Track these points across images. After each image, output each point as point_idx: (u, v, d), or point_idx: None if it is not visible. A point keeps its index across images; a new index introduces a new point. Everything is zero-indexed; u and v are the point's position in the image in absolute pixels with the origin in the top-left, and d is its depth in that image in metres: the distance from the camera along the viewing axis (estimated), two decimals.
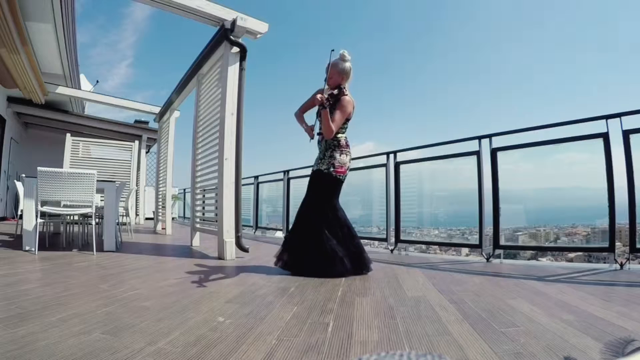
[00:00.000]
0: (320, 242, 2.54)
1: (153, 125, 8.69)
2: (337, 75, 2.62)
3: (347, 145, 2.66)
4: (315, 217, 2.61)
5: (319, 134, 2.71)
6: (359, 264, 2.61)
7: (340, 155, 2.61)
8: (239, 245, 3.59)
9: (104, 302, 1.76)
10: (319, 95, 2.52)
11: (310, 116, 2.79)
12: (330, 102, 2.58)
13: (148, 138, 9.53)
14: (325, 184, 2.63)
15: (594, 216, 3.38)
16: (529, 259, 3.75)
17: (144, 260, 3.21)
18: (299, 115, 2.81)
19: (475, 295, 2.01)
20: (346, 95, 2.60)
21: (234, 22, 3.55)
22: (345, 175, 2.66)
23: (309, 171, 5.77)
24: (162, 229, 6.48)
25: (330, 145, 2.64)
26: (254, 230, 7.30)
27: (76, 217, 4.37)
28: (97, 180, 3.53)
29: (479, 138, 3.63)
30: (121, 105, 8.01)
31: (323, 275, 2.48)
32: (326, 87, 2.61)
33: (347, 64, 2.64)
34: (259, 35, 3.81)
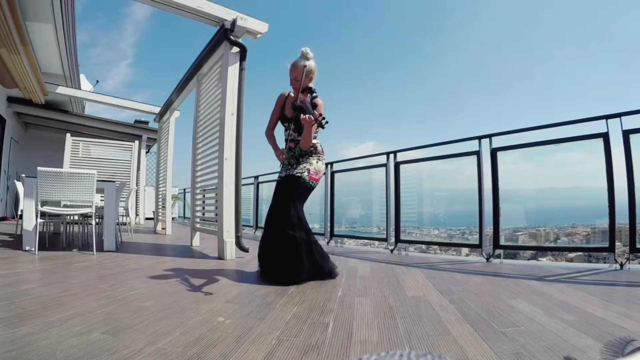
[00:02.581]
0: (296, 244, 2.34)
1: (153, 125, 8.69)
2: (305, 77, 2.40)
3: (323, 152, 2.52)
4: (289, 222, 2.37)
5: (291, 140, 2.51)
6: (317, 272, 2.42)
7: (317, 162, 2.45)
8: (239, 245, 3.59)
9: (104, 302, 1.76)
10: (307, 117, 2.23)
11: (279, 134, 2.63)
12: (323, 117, 2.25)
13: (148, 138, 9.53)
14: (298, 189, 2.40)
15: (594, 216, 3.38)
16: (529, 259, 3.75)
17: (144, 260, 3.21)
18: (270, 133, 2.61)
19: (475, 295, 2.01)
20: (319, 98, 2.45)
21: (234, 22, 3.55)
22: (317, 184, 2.47)
23: None
24: (162, 229, 6.48)
25: (306, 151, 2.46)
26: (254, 230, 7.30)
27: (76, 217, 4.37)
28: (97, 180, 3.53)
29: (479, 138, 3.63)
30: (121, 105, 8.01)
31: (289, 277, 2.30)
32: (300, 97, 2.37)
33: (313, 62, 2.43)
34: (259, 35, 3.81)
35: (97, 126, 8.99)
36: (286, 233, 2.33)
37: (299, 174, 2.41)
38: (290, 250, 2.33)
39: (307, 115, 2.24)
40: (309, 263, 2.37)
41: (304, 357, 1.16)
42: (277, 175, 2.61)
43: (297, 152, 2.49)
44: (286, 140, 2.54)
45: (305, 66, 2.39)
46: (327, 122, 2.23)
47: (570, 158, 3.40)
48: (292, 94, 2.52)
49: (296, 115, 2.41)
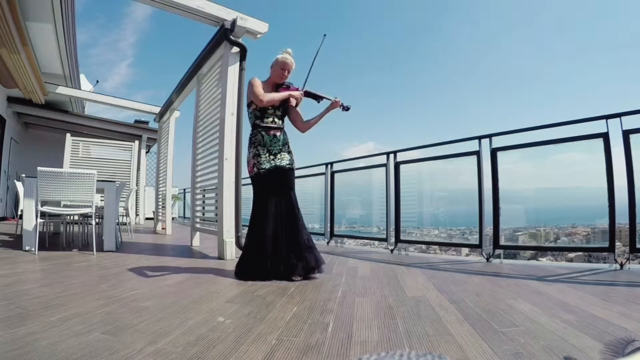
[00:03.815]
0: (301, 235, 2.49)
1: (153, 125, 8.69)
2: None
3: None
4: (298, 214, 2.54)
5: (276, 129, 2.55)
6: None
7: (291, 149, 2.62)
8: (239, 245, 3.58)
9: (104, 302, 1.76)
10: (338, 99, 2.56)
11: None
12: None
13: (148, 138, 9.52)
14: (293, 181, 2.59)
15: (594, 216, 3.38)
16: (529, 259, 3.75)
17: (144, 260, 3.21)
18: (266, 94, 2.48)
19: (475, 295, 2.01)
20: None
21: (234, 22, 3.55)
22: None
23: (309, 171, 5.80)
24: (162, 229, 6.48)
25: (286, 140, 2.61)
26: None
27: (76, 217, 4.37)
28: (97, 180, 3.53)
29: (479, 138, 3.64)
30: (121, 105, 8.01)
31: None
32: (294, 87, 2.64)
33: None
34: (259, 35, 3.81)
35: (97, 126, 8.99)
36: (296, 225, 2.47)
37: (291, 166, 2.57)
38: (301, 243, 2.45)
39: (338, 99, 2.55)
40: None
41: (304, 357, 1.16)
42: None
43: (282, 140, 2.57)
44: (265, 127, 2.52)
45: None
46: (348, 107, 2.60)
47: (570, 158, 3.41)
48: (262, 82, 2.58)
49: (284, 104, 2.58)
